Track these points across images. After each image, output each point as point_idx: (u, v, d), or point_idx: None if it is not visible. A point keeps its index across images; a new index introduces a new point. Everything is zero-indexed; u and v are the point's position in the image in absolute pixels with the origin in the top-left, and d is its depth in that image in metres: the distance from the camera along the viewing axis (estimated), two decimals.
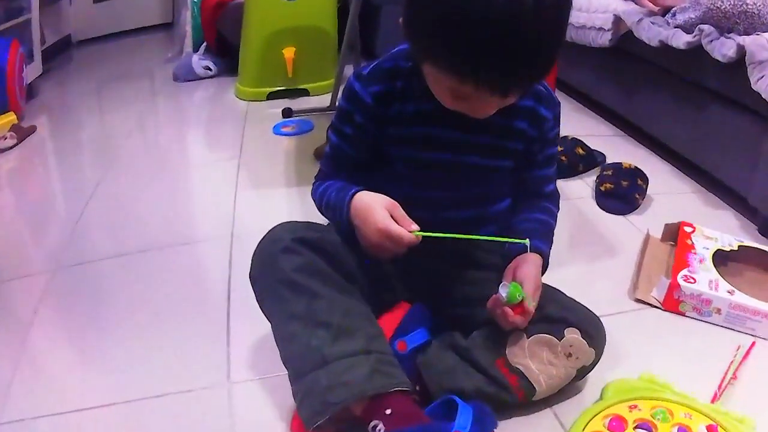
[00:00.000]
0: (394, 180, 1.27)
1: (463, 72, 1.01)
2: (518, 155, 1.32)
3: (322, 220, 1.35)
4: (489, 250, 1.25)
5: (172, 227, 2.05)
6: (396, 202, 1.17)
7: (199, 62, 3.58)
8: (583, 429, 1.20)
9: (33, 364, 1.47)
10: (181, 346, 1.50)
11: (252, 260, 1.22)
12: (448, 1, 0.97)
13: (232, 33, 3.40)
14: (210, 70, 3.59)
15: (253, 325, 1.20)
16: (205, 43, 3.68)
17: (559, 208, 1.44)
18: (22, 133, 2.76)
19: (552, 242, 1.38)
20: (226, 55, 3.58)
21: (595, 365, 1.30)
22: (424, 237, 1.15)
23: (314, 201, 1.35)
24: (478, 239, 1.19)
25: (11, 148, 2.67)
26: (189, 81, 3.56)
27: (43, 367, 1.47)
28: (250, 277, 1.23)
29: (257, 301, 1.22)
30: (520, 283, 1.20)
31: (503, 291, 1.17)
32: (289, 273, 1.15)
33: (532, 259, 1.27)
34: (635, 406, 1.25)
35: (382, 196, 1.19)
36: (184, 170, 2.56)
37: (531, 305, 1.20)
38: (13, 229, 2.14)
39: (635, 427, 1.20)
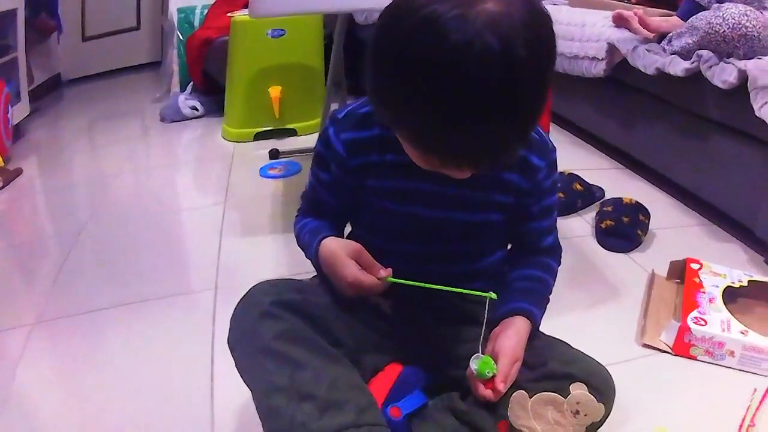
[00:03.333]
0: (377, 232, 1.20)
1: (427, 149, 0.96)
2: (508, 209, 1.23)
3: (307, 265, 1.28)
4: (482, 304, 1.16)
5: (157, 277, 1.99)
6: (361, 247, 1.13)
7: (186, 102, 3.56)
8: None
9: (12, 421, 1.41)
10: (163, 409, 1.43)
11: (230, 325, 1.13)
12: (413, 75, 0.88)
13: (218, 72, 3.37)
14: (197, 110, 3.56)
15: (239, 387, 1.12)
16: (191, 83, 3.65)
17: (560, 263, 1.35)
18: (8, 176, 2.72)
19: (547, 301, 1.28)
20: (212, 94, 3.56)
21: (605, 420, 1.19)
22: (394, 283, 1.12)
23: (297, 242, 1.30)
24: (443, 289, 1.11)
25: None
26: (176, 121, 3.54)
27: (22, 422, 1.41)
28: (228, 344, 1.13)
29: (237, 369, 1.12)
30: (496, 355, 1.12)
31: (473, 365, 1.10)
32: (270, 341, 1.05)
33: (516, 327, 1.18)
34: None
35: (347, 243, 1.16)
36: (172, 214, 2.50)
37: (500, 385, 1.11)
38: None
39: None
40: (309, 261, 1.25)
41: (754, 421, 1.33)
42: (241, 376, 1.11)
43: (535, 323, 1.20)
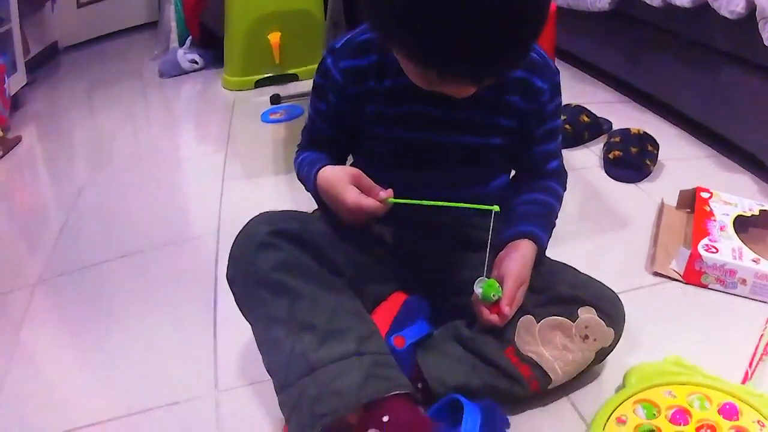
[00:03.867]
0: (378, 161, 1.18)
1: (426, 63, 0.93)
2: (511, 132, 1.20)
3: (311, 205, 1.26)
4: (485, 229, 1.13)
5: (157, 228, 1.97)
6: (360, 172, 1.11)
7: (185, 56, 3.50)
8: (608, 419, 1.09)
9: (17, 385, 1.38)
10: (167, 356, 1.41)
11: (228, 259, 1.10)
12: None
13: (216, 23, 3.31)
14: (196, 63, 3.51)
15: (241, 327, 1.11)
16: (190, 37, 3.60)
17: (565, 188, 1.32)
18: (7, 145, 2.69)
19: (553, 225, 1.26)
20: (212, 47, 3.49)
21: (614, 346, 1.19)
22: (396, 203, 1.10)
23: (297, 176, 1.29)
24: (445, 205, 1.08)
25: None
26: (175, 76, 3.48)
27: (27, 386, 1.39)
28: (227, 279, 1.11)
29: (237, 304, 1.11)
30: (501, 279, 1.11)
31: (477, 288, 1.09)
32: (268, 272, 1.03)
33: (521, 250, 1.15)
34: (622, 420, 1.12)
35: (345, 168, 1.14)
36: (172, 166, 2.48)
37: (506, 308, 1.09)
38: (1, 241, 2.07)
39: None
40: (311, 199, 1.23)
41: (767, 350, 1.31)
42: (240, 311, 1.10)
43: (541, 246, 1.18)
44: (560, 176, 1.31)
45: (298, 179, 1.27)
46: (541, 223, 1.21)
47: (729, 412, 1.08)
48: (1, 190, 2.42)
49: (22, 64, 3.31)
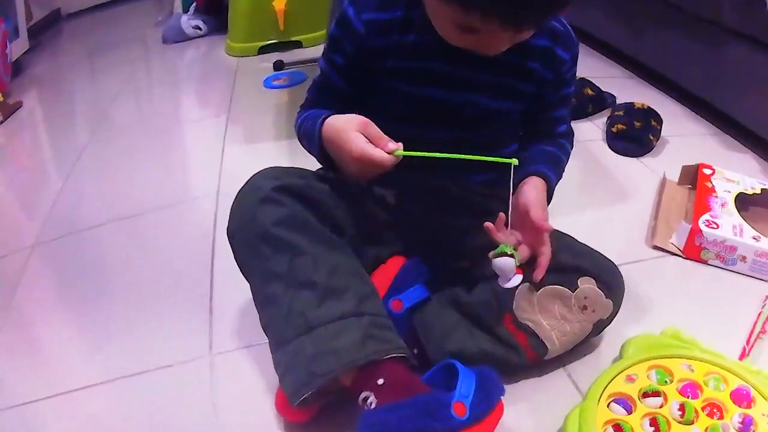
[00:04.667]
0: (391, 118, 1.14)
1: (470, 2, 0.90)
2: (529, 98, 1.20)
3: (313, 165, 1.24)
4: (487, 195, 1.12)
5: (155, 190, 1.96)
6: (368, 120, 1.05)
7: (189, 22, 3.48)
8: (603, 391, 1.09)
9: (10, 346, 1.39)
10: (163, 318, 1.42)
11: (230, 214, 1.10)
12: None
13: None
14: (200, 29, 3.49)
15: (238, 290, 1.11)
16: (194, 3, 3.58)
17: (572, 146, 1.33)
18: (7, 110, 2.68)
19: (562, 171, 1.27)
20: (216, 13, 3.49)
21: (613, 318, 1.19)
22: (405, 156, 1.04)
23: (297, 135, 1.24)
24: (461, 158, 1.04)
25: None
26: (179, 42, 3.46)
27: (20, 347, 1.39)
28: (227, 233, 1.10)
29: (236, 260, 1.10)
30: (523, 208, 1.11)
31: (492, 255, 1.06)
32: (270, 227, 1.02)
33: (533, 183, 1.15)
34: (632, 378, 1.13)
35: (353, 116, 1.07)
36: (173, 130, 2.47)
37: (545, 223, 1.10)
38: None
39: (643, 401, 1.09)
40: (313, 164, 1.21)
41: (765, 327, 1.31)
42: (239, 266, 1.10)
43: (550, 185, 1.18)
44: (569, 135, 1.32)
45: (299, 138, 1.23)
46: (549, 166, 1.21)
47: (741, 397, 1.07)
48: (3, 154, 2.41)
49: (25, 30, 3.29)
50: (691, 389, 1.09)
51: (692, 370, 1.12)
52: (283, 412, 1.08)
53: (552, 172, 1.20)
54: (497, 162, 1.06)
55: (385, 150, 1.02)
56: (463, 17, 0.93)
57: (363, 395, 0.95)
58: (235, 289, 1.15)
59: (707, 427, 1.02)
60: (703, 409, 1.05)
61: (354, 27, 1.11)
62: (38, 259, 1.68)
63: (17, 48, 3.14)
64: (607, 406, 1.07)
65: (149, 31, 3.69)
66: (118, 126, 2.51)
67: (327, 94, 1.22)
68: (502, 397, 1.02)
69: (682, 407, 1.05)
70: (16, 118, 2.66)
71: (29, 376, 1.30)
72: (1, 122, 2.60)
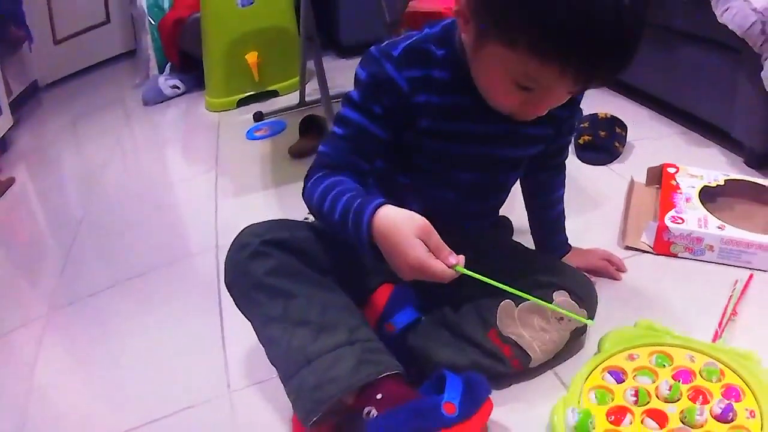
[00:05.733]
0: (417, 171, 1.23)
1: (552, 54, 0.92)
2: (551, 138, 1.30)
3: (299, 216, 1.32)
4: (478, 236, 1.20)
5: (158, 250, 2.04)
6: (430, 226, 1.00)
7: (166, 82, 3.57)
8: (583, 384, 1.17)
9: (40, 407, 1.46)
10: (180, 364, 1.50)
11: (224, 268, 1.17)
12: None
13: (194, 48, 3.38)
14: (178, 88, 3.58)
15: (247, 330, 1.18)
16: (169, 63, 3.66)
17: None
18: (2, 187, 2.73)
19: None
20: (191, 71, 3.56)
21: (588, 326, 1.29)
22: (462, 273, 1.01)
23: (310, 199, 1.15)
24: (531, 299, 1.11)
25: None
26: (159, 102, 3.55)
27: (49, 409, 1.46)
28: (225, 285, 1.19)
29: (236, 306, 1.19)
30: (602, 256, 1.52)
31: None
32: (261, 277, 1.11)
33: (575, 252, 1.52)
34: (633, 356, 1.23)
35: (412, 216, 1.01)
36: (165, 189, 2.54)
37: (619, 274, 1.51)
38: (5, 280, 2.13)
39: (635, 377, 1.19)
40: (302, 209, 1.26)
41: (736, 309, 1.38)
42: (240, 311, 1.18)
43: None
44: (564, 164, 1.48)
45: (316, 208, 1.13)
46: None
47: (731, 392, 1.13)
48: (3, 230, 2.47)
49: (7, 106, 3.34)
50: (684, 375, 1.17)
51: (693, 361, 1.20)
52: None
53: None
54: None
55: (446, 263, 0.99)
56: (537, 69, 0.95)
57: (366, 410, 1.05)
58: (244, 331, 1.22)
59: (684, 409, 1.09)
60: (689, 391, 1.13)
61: (397, 84, 1.10)
62: (53, 326, 1.75)
63: (1, 125, 3.20)
64: (601, 377, 1.18)
65: (127, 94, 3.77)
66: (111, 192, 2.57)
67: (359, 147, 1.16)
68: (489, 396, 1.11)
69: (670, 388, 1.13)
70: (10, 195, 2.72)
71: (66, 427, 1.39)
72: None
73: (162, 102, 3.55)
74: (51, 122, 3.63)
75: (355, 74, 1.14)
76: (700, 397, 1.12)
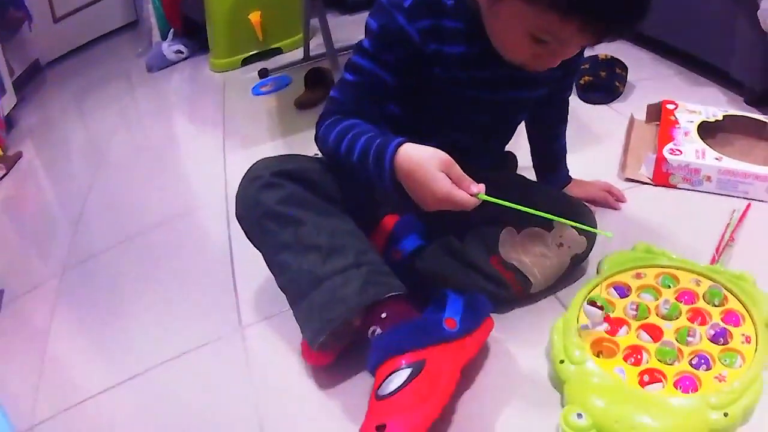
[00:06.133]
0: (435, 114, 1.27)
1: (572, 9, 0.95)
2: (559, 79, 1.34)
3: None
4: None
5: (168, 204, 2.08)
6: (451, 159, 1.04)
7: (170, 48, 3.55)
8: (583, 300, 1.21)
9: (56, 364, 1.51)
10: (194, 306, 1.55)
11: (236, 200, 1.22)
12: None
13: (196, 11, 3.37)
14: (182, 53, 3.56)
15: (257, 270, 1.24)
16: (172, 29, 3.66)
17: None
18: (9, 162, 2.75)
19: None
20: (195, 35, 3.55)
21: (588, 252, 1.34)
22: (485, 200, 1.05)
23: (324, 142, 1.19)
24: (551, 218, 1.13)
25: (1, 178, 2.67)
26: (163, 68, 3.54)
27: (66, 364, 1.51)
28: (236, 217, 1.23)
29: (247, 238, 1.23)
30: (604, 187, 1.57)
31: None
32: (273, 206, 1.15)
33: (575, 184, 1.57)
34: (640, 274, 1.27)
35: (434, 151, 1.04)
36: (173, 150, 2.57)
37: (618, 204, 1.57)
38: (18, 247, 2.17)
39: (639, 294, 1.23)
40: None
41: (734, 236, 1.42)
42: (251, 242, 1.23)
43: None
44: (567, 100, 1.53)
45: (333, 150, 1.17)
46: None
47: (731, 317, 1.16)
48: (13, 203, 2.50)
49: (10, 85, 3.35)
50: (688, 296, 1.21)
51: (698, 284, 1.24)
52: (307, 358, 1.23)
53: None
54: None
55: (469, 192, 1.03)
56: (557, 25, 0.98)
57: (371, 329, 1.10)
58: (255, 269, 1.27)
59: (680, 327, 1.14)
60: (688, 312, 1.17)
61: (408, 35, 1.12)
62: (68, 284, 1.80)
63: (6, 103, 3.21)
64: (606, 291, 1.23)
65: (131, 64, 3.76)
66: (119, 160, 2.59)
67: (371, 94, 1.19)
68: (490, 315, 1.17)
69: (669, 305, 1.17)
70: (18, 169, 2.74)
71: (71, 384, 1.43)
72: (6, 174, 2.68)
73: (166, 68, 3.54)
74: (55, 98, 3.63)
75: (366, 24, 1.17)
76: (699, 318, 1.16)
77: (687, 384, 1.04)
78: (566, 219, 1.15)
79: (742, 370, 1.05)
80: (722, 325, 1.13)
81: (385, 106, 1.22)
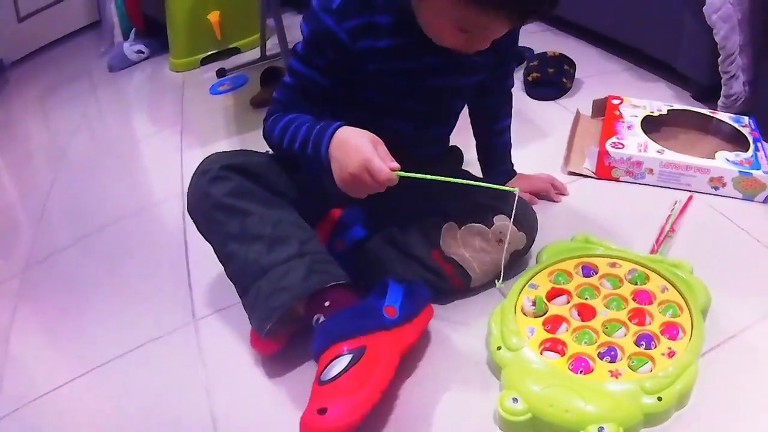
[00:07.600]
0: (371, 106, 1.30)
1: (486, 2, 1.01)
2: (492, 65, 1.36)
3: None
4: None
5: (127, 201, 2.08)
6: (380, 140, 1.11)
7: (131, 48, 3.53)
8: (521, 290, 1.27)
9: (17, 360, 1.51)
10: (150, 300, 1.57)
11: (187, 194, 1.25)
12: None
13: (157, 11, 3.37)
14: (143, 53, 3.55)
15: (211, 264, 1.25)
16: (134, 29, 3.66)
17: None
18: None
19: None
20: (155, 35, 3.55)
21: (529, 248, 1.38)
22: (401, 177, 1.09)
23: (270, 137, 1.26)
24: (462, 183, 1.15)
25: None
26: (124, 68, 3.52)
27: (27, 359, 1.52)
28: (188, 210, 1.26)
29: (198, 230, 1.26)
30: (547, 181, 1.61)
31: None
32: (221, 198, 1.18)
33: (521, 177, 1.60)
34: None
35: (368, 132, 1.11)
36: (132, 149, 2.56)
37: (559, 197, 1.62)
38: None
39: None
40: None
41: (674, 227, 1.47)
42: (202, 234, 1.26)
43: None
44: (511, 95, 1.55)
45: (277, 142, 1.24)
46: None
47: (671, 329, 1.17)
48: None
49: None
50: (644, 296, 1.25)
51: (619, 266, 1.31)
52: (256, 347, 1.27)
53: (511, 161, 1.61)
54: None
55: (388, 166, 1.08)
56: (476, 16, 1.04)
57: (315, 317, 1.13)
58: (209, 263, 1.28)
59: (609, 321, 1.20)
60: (629, 312, 1.22)
61: (337, 36, 1.16)
62: (26, 286, 1.79)
63: None
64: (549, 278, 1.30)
65: (94, 64, 3.73)
66: (80, 158, 2.58)
67: (308, 95, 1.24)
68: (430, 303, 1.22)
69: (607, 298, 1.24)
70: None
71: (32, 378, 1.44)
72: None
73: (127, 67, 3.52)
74: (18, 99, 3.58)
75: (300, 28, 1.21)
76: (636, 319, 1.20)
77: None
78: (503, 228, 1.25)
79: (677, 357, 1.09)
80: (656, 333, 1.16)
81: (322, 104, 1.26)
